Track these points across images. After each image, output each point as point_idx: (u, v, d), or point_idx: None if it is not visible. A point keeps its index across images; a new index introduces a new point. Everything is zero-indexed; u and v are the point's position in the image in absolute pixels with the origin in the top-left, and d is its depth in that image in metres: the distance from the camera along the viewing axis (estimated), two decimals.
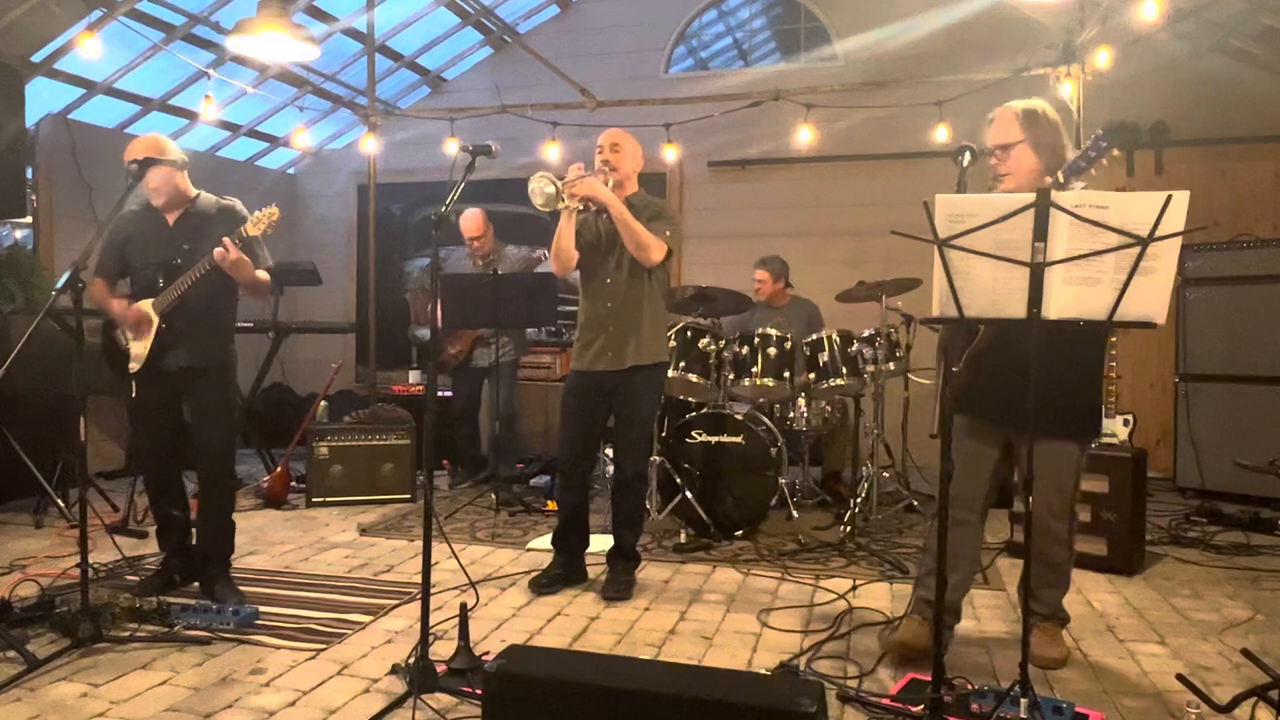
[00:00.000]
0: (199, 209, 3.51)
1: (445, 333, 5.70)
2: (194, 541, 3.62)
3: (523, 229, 6.43)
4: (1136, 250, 2.13)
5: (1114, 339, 4.69)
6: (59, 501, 4.70)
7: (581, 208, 3.52)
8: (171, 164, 3.38)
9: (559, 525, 3.77)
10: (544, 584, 3.67)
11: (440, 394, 5.97)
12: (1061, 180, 2.55)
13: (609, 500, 3.90)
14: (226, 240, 3.22)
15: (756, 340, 4.84)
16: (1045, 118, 2.76)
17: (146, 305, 3.41)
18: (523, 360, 6.13)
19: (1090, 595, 3.64)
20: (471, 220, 5.69)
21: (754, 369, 4.80)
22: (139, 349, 3.44)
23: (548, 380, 6.79)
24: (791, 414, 5.06)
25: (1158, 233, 2.11)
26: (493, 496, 5.24)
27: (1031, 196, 2.19)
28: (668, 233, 3.56)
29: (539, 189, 3.37)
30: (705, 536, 4.46)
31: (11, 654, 2.80)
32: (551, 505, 5.10)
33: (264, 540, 4.48)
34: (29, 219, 5.74)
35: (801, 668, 2.82)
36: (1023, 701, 2.28)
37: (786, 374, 4.81)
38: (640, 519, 3.81)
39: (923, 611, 2.91)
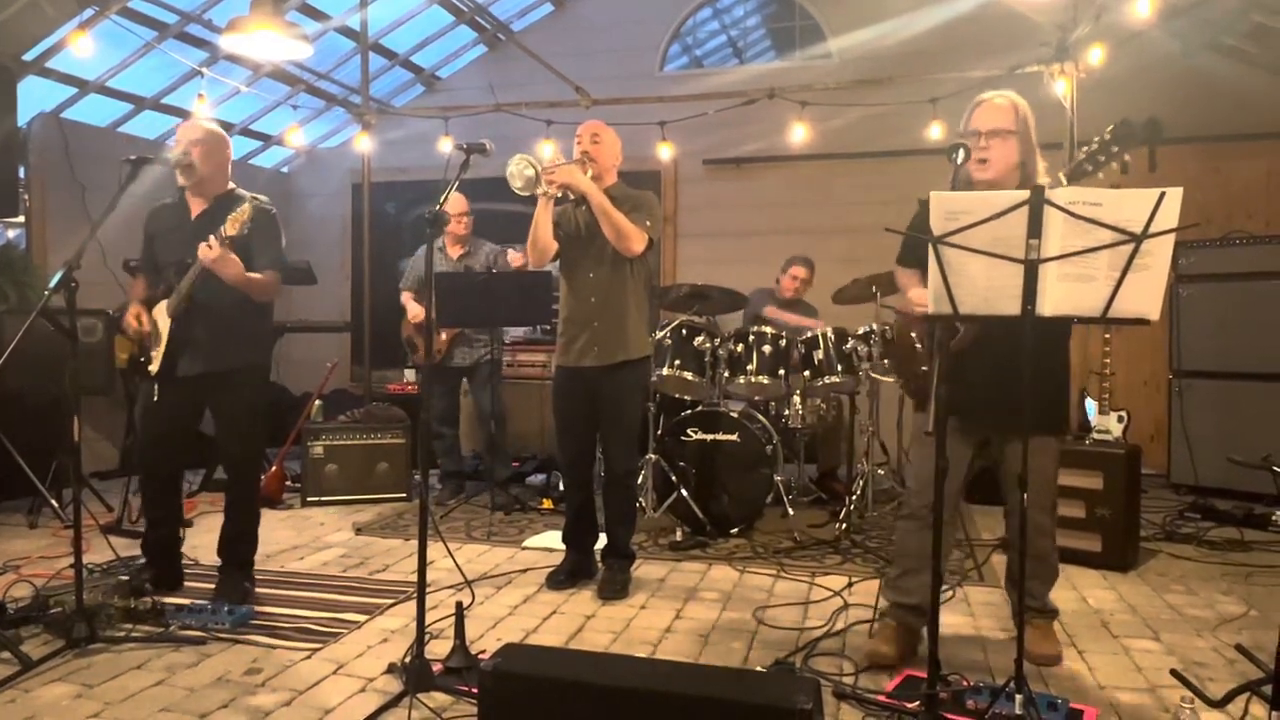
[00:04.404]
0: (224, 206, 3.26)
1: (420, 331, 5.51)
2: (182, 550, 3.63)
3: (519, 227, 6.34)
4: (1130, 247, 2.14)
5: (1107, 335, 4.71)
6: (53, 502, 4.68)
7: (559, 195, 3.48)
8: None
9: (567, 523, 3.79)
10: (560, 580, 3.70)
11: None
12: (1064, 182, 2.53)
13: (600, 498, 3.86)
14: (213, 237, 3.10)
15: (751, 338, 4.83)
16: (1031, 119, 2.79)
17: (160, 308, 3.34)
18: (517, 359, 6.05)
19: (1085, 591, 3.66)
20: (455, 200, 5.35)
21: (749, 366, 4.80)
22: (155, 352, 3.37)
23: (543, 378, 6.76)
24: (787, 411, 5.06)
25: (1151, 229, 2.12)
26: (489, 497, 5.21)
27: (1026, 194, 2.19)
28: (648, 223, 3.52)
29: (518, 171, 3.32)
30: (701, 534, 4.47)
31: (6, 655, 2.78)
32: (547, 503, 5.10)
33: (259, 540, 4.46)
34: (21, 218, 5.72)
35: (797, 665, 2.83)
36: (1018, 698, 2.29)
37: (781, 371, 4.80)
38: (633, 516, 3.81)
39: (896, 616, 2.91)
